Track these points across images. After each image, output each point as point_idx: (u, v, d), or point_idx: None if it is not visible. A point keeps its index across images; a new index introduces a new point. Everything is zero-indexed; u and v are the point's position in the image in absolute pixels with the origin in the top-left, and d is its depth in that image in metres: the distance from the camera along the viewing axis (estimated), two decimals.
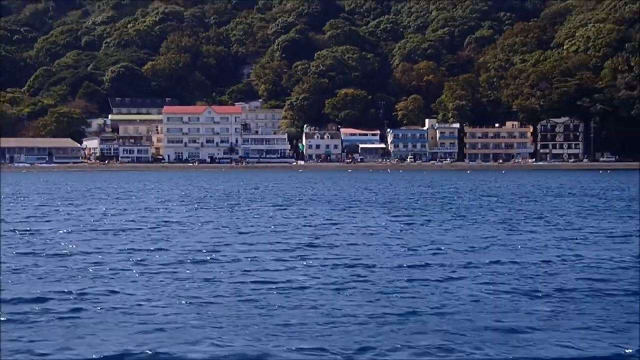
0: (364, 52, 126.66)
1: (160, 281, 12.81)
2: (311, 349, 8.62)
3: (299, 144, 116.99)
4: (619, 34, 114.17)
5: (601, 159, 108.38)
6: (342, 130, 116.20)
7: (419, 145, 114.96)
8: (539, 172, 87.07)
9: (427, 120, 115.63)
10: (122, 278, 13.13)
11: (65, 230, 21.03)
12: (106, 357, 8.34)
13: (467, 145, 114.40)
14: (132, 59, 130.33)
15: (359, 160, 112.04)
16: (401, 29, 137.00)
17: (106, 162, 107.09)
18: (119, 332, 9.49)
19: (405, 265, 14.43)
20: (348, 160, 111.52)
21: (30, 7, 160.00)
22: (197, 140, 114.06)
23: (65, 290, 11.85)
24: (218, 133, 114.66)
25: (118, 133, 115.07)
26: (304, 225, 22.62)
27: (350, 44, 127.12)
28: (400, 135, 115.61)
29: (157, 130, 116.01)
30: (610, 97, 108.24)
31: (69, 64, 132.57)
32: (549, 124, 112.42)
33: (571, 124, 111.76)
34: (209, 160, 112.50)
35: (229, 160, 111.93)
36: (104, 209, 30.09)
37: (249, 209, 29.73)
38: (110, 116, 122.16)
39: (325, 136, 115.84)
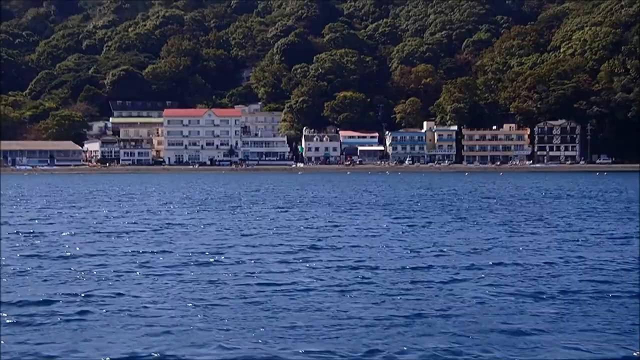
0: (363, 55, 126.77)
1: (165, 283, 12.82)
2: (319, 351, 8.62)
3: (298, 147, 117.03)
4: (615, 37, 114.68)
5: (598, 161, 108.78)
6: (341, 132, 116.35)
7: (417, 147, 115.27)
8: (537, 174, 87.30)
9: (425, 123, 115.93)
10: (127, 280, 13.13)
11: (68, 233, 21.04)
12: None
13: (465, 148, 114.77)
14: (132, 63, 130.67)
15: (357, 162, 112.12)
16: (399, 33, 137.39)
17: (107, 164, 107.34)
18: (126, 334, 9.50)
19: (408, 267, 14.45)
20: (347, 163, 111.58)
21: (32, 11, 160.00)
22: (197, 143, 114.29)
23: (71, 293, 11.85)
24: (218, 136, 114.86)
25: (119, 136, 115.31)
26: (306, 228, 22.65)
27: (349, 47, 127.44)
28: (399, 137, 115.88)
29: (157, 133, 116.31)
30: (606, 99, 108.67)
31: (71, 67, 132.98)
32: (546, 127, 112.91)
33: (568, 127, 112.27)
34: (209, 162, 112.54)
35: (229, 162, 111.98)
36: (107, 211, 30.09)
37: (250, 211, 29.76)
38: (111, 119, 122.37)
39: (324, 139, 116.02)
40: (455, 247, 17.52)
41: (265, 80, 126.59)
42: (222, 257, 15.80)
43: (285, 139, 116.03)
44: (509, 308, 10.74)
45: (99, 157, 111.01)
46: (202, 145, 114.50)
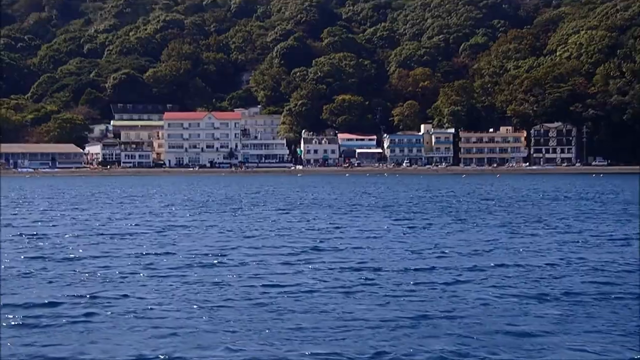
0: (361, 58, 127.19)
1: (170, 285, 12.84)
2: (326, 353, 8.62)
3: (297, 149, 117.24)
4: (610, 40, 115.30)
5: (593, 163, 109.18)
6: (340, 135, 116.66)
7: (414, 149, 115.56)
8: (533, 176, 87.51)
9: (422, 126, 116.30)
10: (132, 282, 13.14)
11: (72, 235, 21.02)
12: None
13: (462, 150, 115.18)
14: (133, 66, 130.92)
15: (356, 164, 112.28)
16: (397, 36, 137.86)
17: (108, 167, 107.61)
18: (132, 336, 9.50)
19: (411, 268, 14.49)
20: (345, 165, 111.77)
21: (34, 15, 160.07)
22: (197, 146, 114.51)
23: (76, 295, 11.86)
24: (218, 138, 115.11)
25: (120, 139, 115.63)
26: (308, 229, 22.69)
27: (348, 51, 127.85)
28: (397, 140, 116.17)
29: (158, 135, 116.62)
30: (602, 102, 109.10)
31: (72, 71, 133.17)
32: (542, 129, 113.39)
33: (564, 129, 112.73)
34: (209, 165, 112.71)
35: (228, 165, 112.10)
36: (109, 213, 30.07)
37: (252, 213, 29.78)
38: (112, 122, 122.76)
39: (323, 141, 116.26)
40: (456, 248, 17.56)
41: (264, 83, 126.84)
42: (226, 259, 15.81)
43: (284, 141, 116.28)
44: (513, 309, 10.77)
45: (100, 160, 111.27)
46: (202, 148, 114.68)
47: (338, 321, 10.12)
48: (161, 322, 10.21)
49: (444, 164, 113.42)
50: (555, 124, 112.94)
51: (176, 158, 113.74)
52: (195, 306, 11.07)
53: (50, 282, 13.13)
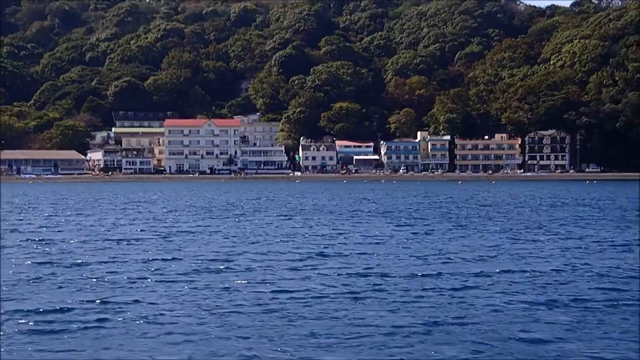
0: (358, 67, 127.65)
1: (179, 290, 12.82)
2: None
3: (296, 156, 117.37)
4: (603, 49, 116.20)
5: (587, 170, 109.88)
6: (337, 142, 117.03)
7: (411, 156, 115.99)
8: (528, 183, 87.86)
9: (419, 133, 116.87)
10: (141, 287, 13.11)
11: (78, 240, 20.96)
12: None
13: (458, 157, 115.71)
14: (134, 74, 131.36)
15: (353, 171, 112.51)
16: (394, 45, 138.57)
17: (110, 173, 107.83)
18: (145, 342, 9.47)
19: (417, 274, 14.50)
20: (343, 171, 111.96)
21: (37, 24, 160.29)
22: (197, 152, 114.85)
23: (87, 300, 11.83)
24: (218, 145, 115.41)
25: (121, 145, 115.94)
26: (311, 235, 22.70)
27: (345, 59, 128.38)
28: (393, 147, 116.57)
29: (158, 142, 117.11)
30: (595, 110, 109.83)
31: (74, 78, 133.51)
32: (536, 136, 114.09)
33: (558, 136, 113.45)
34: (208, 171, 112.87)
35: (228, 171, 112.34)
36: (114, 218, 30.01)
37: (254, 219, 29.76)
38: (113, 129, 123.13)
39: (321, 148, 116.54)
40: (460, 254, 17.59)
41: (263, 91, 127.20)
42: (232, 264, 15.81)
43: (283, 148, 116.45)
44: (523, 316, 10.77)
45: (101, 166, 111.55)
46: (202, 155, 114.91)
47: (350, 327, 10.09)
48: (173, 327, 10.18)
49: (440, 170, 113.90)
50: (549, 132, 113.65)
51: (176, 164, 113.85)
52: (205, 312, 11.05)
53: (60, 287, 13.09)
